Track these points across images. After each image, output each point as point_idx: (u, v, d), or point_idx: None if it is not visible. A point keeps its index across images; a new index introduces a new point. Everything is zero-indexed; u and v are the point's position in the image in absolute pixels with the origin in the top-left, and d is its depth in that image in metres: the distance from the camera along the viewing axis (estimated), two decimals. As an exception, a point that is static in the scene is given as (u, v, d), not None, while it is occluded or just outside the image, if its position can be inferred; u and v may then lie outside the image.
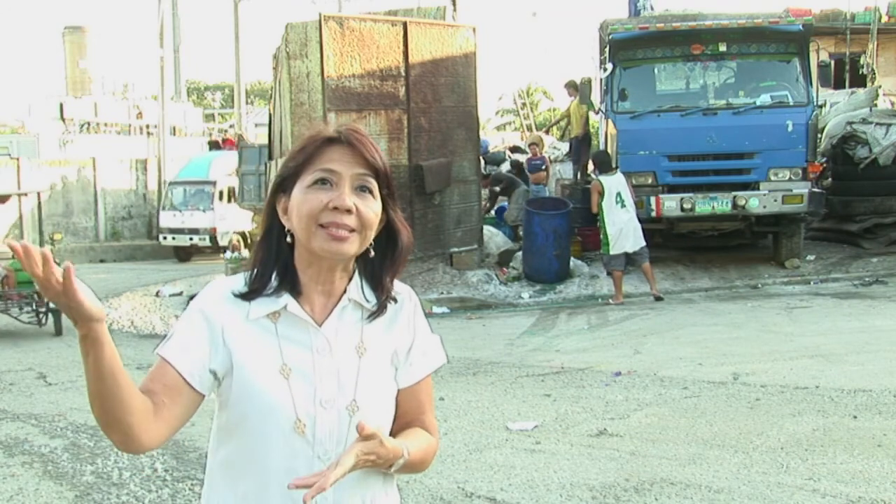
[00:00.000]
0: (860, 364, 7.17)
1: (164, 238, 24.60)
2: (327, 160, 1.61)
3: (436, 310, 11.29)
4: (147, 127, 34.27)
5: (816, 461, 4.86)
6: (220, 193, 24.20)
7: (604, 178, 11.11)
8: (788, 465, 4.83)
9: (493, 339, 9.32)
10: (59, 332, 10.53)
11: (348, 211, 1.58)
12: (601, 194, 10.98)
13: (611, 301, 11.24)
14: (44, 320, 10.76)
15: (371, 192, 1.63)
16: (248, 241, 21.84)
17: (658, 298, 11.12)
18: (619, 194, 10.94)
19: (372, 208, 1.62)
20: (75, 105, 33.16)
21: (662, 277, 12.54)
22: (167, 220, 24.33)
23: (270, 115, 17.82)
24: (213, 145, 29.41)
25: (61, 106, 32.25)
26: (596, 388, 6.78)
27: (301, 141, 1.68)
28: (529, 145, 17.74)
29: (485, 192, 16.80)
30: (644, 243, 11.09)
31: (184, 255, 24.36)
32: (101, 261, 24.31)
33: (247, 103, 35.11)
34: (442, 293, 12.14)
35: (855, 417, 5.66)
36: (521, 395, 6.68)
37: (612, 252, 11.02)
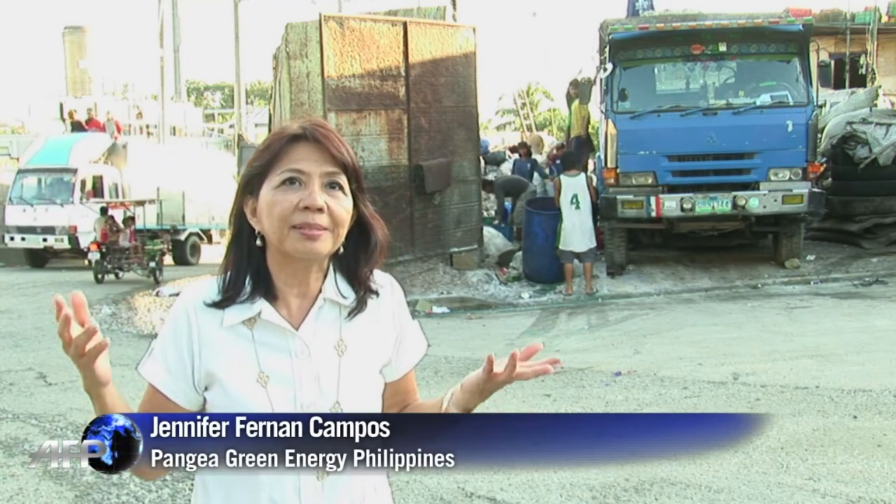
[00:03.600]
0: (860, 364, 7.16)
1: (12, 238, 19.85)
2: (294, 159, 1.57)
3: (436, 310, 11.29)
4: (147, 127, 34.28)
5: (816, 461, 4.86)
6: (83, 184, 20.16)
7: (564, 178, 11.81)
8: (788, 465, 4.83)
9: (493, 339, 9.32)
10: (157, 282, 15.92)
11: (320, 210, 1.54)
12: (559, 192, 11.71)
13: (562, 292, 11.90)
14: (150, 276, 16.33)
15: (341, 188, 1.59)
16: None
17: (589, 294, 11.73)
18: (575, 195, 11.54)
19: (343, 205, 1.58)
20: (75, 105, 33.16)
21: (662, 277, 12.55)
22: (15, 216, 19.70)
23: (270, 115, 17.86)
24: (76, 126, 24.61)
25: (61, 106, 32.19)
26: (596, 388, 6.78)
27: (265, 140, 1.64)
28: (519, 146, 17.82)
29: (492, 196, 16.80)
30: (593, 245, 11.74)
31: (37, 259, 20.12)
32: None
33: (247, 103, 35.13)
34: (442, 293, 12.14)
35: (855, 417, 5.66)
36: (521, 395, 6.67)
37: (560, 247, 11.72)
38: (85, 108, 28.29)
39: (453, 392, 1.65)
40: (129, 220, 17.96)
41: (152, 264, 16.52)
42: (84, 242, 19.01)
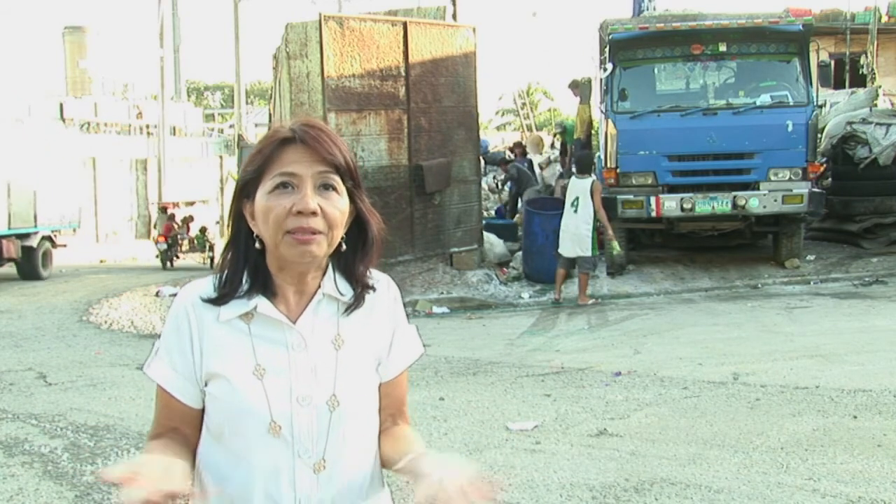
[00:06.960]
0: (860, 364, 7.17)
1: None
2: (286, 162, 1.57)
3: (436, 310, 11.29)
4: (147, 127, 34.28)
5: (816, 461, 4.86)
6: None
7: (572, 179, 11.41)
8: (788, 465, 4.83)
9: (493, 339, 9.31)
10: (212, 266, 18.60)
11: (313, 213, 1.54)
12: (564, 193, 11.47)
13: (552, 296, 11.62)
14: (207, 261, 20.79)
15: (335, 188, 1.58)
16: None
17: (580, 305, 11.12)
18: (576, 198, 11.03)
19: (337, 206, 1.58)
20: (75, 105, 33.12)
21: (662, 277, 12.55)
22: None
23: (270, 115, 17.90)
24: None
25: (61, 106, 32.13)
26: (596, 388, 6.78)
27: (258, 143, 1.64)
28: (515, 146, 17.82)
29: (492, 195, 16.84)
30: (587, 254, 11.01)
31: None
32: (101, 260, 24.25)
33: (247, 103, 35.14)
34: (442, 293, 12.13)
35: (855, 417, 5.66)
36: (521, 395, 6.67)
37: (558, 249, 11.38)
38: (85, 109, 24.59)
39: (410, 460, 1.59)
40: (189, 219, 22.76)
41: (208, 250, 21.11)
42: None
